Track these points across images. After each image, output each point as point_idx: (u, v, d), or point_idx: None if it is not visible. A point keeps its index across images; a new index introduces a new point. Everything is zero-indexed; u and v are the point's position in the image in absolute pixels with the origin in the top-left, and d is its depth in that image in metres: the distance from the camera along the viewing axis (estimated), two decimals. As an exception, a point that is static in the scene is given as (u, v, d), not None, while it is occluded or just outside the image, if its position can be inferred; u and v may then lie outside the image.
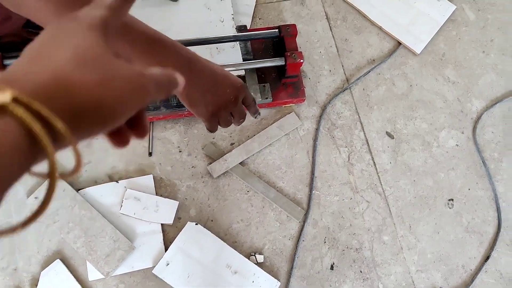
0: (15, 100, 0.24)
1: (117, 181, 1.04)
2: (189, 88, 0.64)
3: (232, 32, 1.14)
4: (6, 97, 0.23)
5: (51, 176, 0.26)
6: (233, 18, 1.16)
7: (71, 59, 0.28)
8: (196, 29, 1.14)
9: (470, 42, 1.26)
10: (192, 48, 0.67)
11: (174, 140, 1.09)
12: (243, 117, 0.76)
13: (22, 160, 0.25)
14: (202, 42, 1.06)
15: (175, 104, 1.07)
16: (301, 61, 1.04)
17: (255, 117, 0.83)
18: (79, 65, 0.28)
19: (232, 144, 1.10)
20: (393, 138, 1.14)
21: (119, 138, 0.35)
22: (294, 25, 1.09)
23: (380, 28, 1.24)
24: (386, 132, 1.15)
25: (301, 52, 1.05)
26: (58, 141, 0.26)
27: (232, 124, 0.77)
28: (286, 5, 1.26)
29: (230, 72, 0.96)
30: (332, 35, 1.24)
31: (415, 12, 1.26)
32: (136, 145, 1.08)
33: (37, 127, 0.24)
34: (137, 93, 0.30)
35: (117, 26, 0.35)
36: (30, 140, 0.25)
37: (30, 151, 0.25)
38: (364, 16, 1.25)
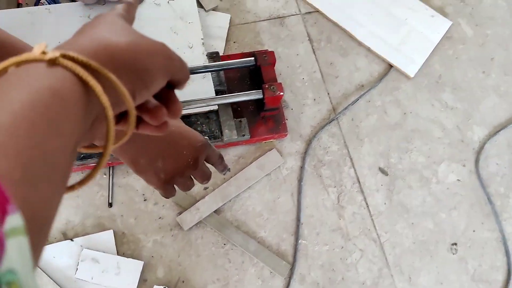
0: (64, 56, 0.28)
1: (71, 239, 0.90)
2: (134, 153, 0.55)
3: (203, 59, 1.00)
4: (55, 53, 0.27)
5: (108, 129, 0.30)
6: (203, 43, 1.02)
7: (108, 30, 0.33)
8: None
9: (469, 62, 1.14)
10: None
11: (138, 187, 0.95)
12: (207, 178, 0.65)
13: (82, 110, 0.28)
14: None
15: (138, 146, 0.93)
16: (281, 93, 0.91)
17: (223, 174, 0.69)
18: (115, 33, 0.33)
19: (205, 188, 0.96)
20: (387, 174, 1.02)
21: (154, 113, 0.37)
22: (271, 52, 0.95)
23: (368, 49, 1.12)
24: (379, 168, 1.02)
25: (280, 83, 0.92)
26: (108, 95, 0.29)
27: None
28: (263, 26, 1.12)
29: (200, 108, 0.83)
30: (316, 58, 1.10)
31: (407, 30, 1.13)
32: (94, 194, 0.93)
33: (86, 74, 0.28)
34: (163, 55, 0.35)
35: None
36: (84, 89, 0.28)
37: (86, 102, 0.28)
38: (351, 36, 1.12)
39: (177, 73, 0.36)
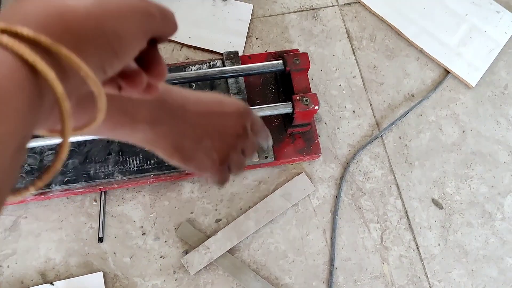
0: (3, 31, 0.21)
1: (51, 283, 0.72)
2: (175, 137, 0.45)
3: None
4: None
5: (62, 119, 0.23)
6: None
7: None
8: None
9: (542, 69, 0.93)
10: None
11: (136, 218, 0.77)
12: (256, 149, 0.56)
13: (28, 101, 0.21)
14: (175, 82, 0.73)
15: (135, 169, 0.74)
16: (316, 107, 0.72)
17: (267, 147, 0.62)
18: None
19: (217, 221, 0.78)
20: (442, 208, 0.82)
21: (131, 80, 0.30)
22: (305, 54, 0.76)
23: (420, 51, 0.91)
24: (432, 200, 0.83)
25: (315, 95, 0.72)
26: (66, 77, 0.23)
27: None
28: (292, 19, 0.92)
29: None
30: (356, 60, 0.90)
31: (468, 28, 0.92)
32: (80, 226, 0.76)
33: (33, 56, 0.21)
34: (139, 13, 0.27)
35: None
36: (32, 75, 0.21)
37: (37, 90, 0.22)
38: (399, 34, 0.92)
39: (160, 30, 0.30)
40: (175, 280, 0.74)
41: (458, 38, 0.92)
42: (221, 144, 0.48)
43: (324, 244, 0.78)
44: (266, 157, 0.77)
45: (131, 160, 0.75)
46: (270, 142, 0.56)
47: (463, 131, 0.87)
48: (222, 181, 0.51)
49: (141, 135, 0.43)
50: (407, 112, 0.87)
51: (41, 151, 0.74)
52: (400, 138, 0.86)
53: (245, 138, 0.49)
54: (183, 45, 0.87)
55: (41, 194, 0.73)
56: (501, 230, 0.82)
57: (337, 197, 0.81)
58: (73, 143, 0.74)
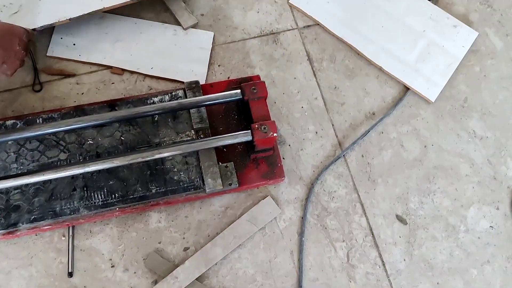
0: None
1: (22, 321, 0.73)
2: None
3: None
4: None
5: None
6: None
7: None
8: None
9: (500, 80, 0.95)
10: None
11: (104, 250, 0.78)
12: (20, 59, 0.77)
13: None
14: (135, 117, 0.75)
15: (100, 203, 0.76)
16: (274, 135, 0.74)
17: None
18: None
19: (186, 249, 0.79)
20: (406, 223, 0.84)
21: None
22: (262, 83, 0.77)
23: (380, 69, 0.93)
24: (397, 216, 0.85)
25: (273, 122, 0.74)
26: None
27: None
28: (253, 44, 0.94)
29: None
30: (317, 82, 0.92)
31: (425, 44, 0.95)
32: (50, 261, 0.77)
33: None
34: None
35: None
36: None
37: None
38: (359, 54, 0.94)
39: None
40: (146, 310, 0.76)
41: (416, 54, 0.94)
42: (14, 66, 0.74)
43: (292, 266, 0.80)
44: (230, 184, 0.78)
45: (95, 195, 0.76)
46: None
47: (425, 146, 0.89)
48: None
49: None
50: (369, 131, 0.89)
51: (6, 191, 0.75)
52: (362, 156, 0.88)
53: (26, 55, 0.77)
54: (146, 75, 0.89)
55: (9, 233, 0.74)
56: (465, 242, 0.84)
57: (303, 218, 0.83)
58: (38, 182, 0.75)
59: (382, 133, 0.90)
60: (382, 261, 0.82)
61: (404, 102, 0.92)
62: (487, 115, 0.93)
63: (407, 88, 0.93)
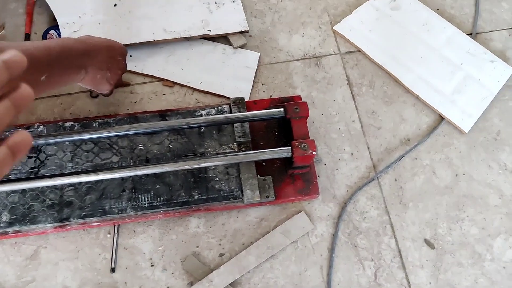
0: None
1: (66, 309, 0.78)
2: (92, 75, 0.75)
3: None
4: None
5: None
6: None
7: None
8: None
9: (533, 116, 0.98)
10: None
11: (146, 250, 0.83)
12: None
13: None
14: (184, 127, 0.80)
15: (146, 205, 0.81)
16: (313, 153, 0.78)
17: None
18: None
19: (221, 255, 0.84)
20: (434, 248, 0.87)
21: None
22: (304, 104, 0.82)
23: (417, 98, 0.97)
24: (425, 240, 0.87)
25: (313, 141, 0.79)
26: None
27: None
28: (296, 66, 1.00)
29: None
30: (355, 106, 0.97)
31: (462, 77, 0.98)
32: (95, 257, 0.82)
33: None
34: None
35: None
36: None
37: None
38: (397, 82, 0.98)
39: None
40: (180, 310, 0.80)
41: (453, 85, 0.97)
42: (116, 75, 0.80)
43: (321, 280, 0.83)
44: (267, 197, 0.83)
45: (143, 197, 0.82)
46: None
47: (456, 175, 0.92)
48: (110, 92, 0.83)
49: (79, 78, 0.72)
50: (403, 156, 0.92)
51: (61, 187, 0.81)
52: (395, 180, 0.91)
53: (126, 67, 0.83)
54: (194, 89, 0.95)
55: (61, 226, 0.79)
56: (490, 271, 0.86)
57: (334, 235, 0.86)
58: (90, 181, 0.81)
59: (416, 159, 0.93)
60: (408, 282, 0.84)
61: (438, 130, 0.95)
62: (520, 149, 0.95)
63: (442, 118, 0.96)
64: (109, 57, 0.76)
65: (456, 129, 0.96)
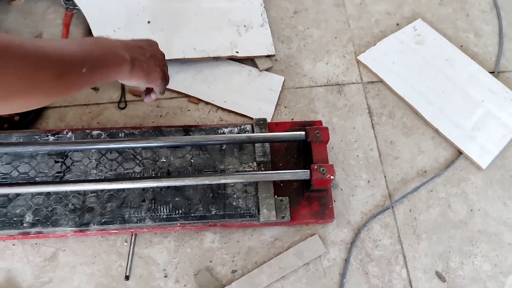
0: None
1: (79, 313, 0.80)
2: (142, 64, 0.73)
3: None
4: None
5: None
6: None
7: None
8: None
9: (552, 157, 0.98)
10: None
11: (160, 261, 0.85)
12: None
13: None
14: (208, 144, 0.83)
15: (165, 216, 0.83)
16: (331, 177, 0.79)
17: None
18: None
19: (233, 271, 0.85)
20: (445, 281, 0.87)
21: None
22: (325, 129, 0.84)
23: (436, 131, 0.99)
24: (436, 272, 0.88)
25: (332, 165, 0.80)
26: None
27: None
28: (319, 92, 1.02)
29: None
30: (375, 134, 0.98)
31: (482, 114, 1.00)
32: (111, 263, 0.84)
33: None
34: None
35: None
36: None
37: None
38: (417, 114, 1.00)
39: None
40: (189, 323, 0.81)
41: (473, 122, 0.99)
42: (158, 60, 0.77)
43: (330, 304, 0.84)
44: (283, 217, 0.84)
45: (161, 208, 0.84)
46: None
47: (471, 210, 0.93)
48: (166, 83, 0.82)
49: (126, 70, 0.70)
50: (419, 187, 0.93)
51: (84, 193, 0.84)
52: (410, 210, 0.92)
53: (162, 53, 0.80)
54: (218, 107, 0.98)
55: (81, 231, 0.82)
56: (502, 309, 0.86)
57: (346, 261, 0.87)
58: (112, 189, 0.83)
59: (432, 191, 0.94)
60: (418, 314, 0.85)
61: (456, 165, 0.96)
62: (537, 188, 0.95)
63: (460, 152, 0.97)
64: (150, 50, 0.76)
65: (473, 165, 0.97)
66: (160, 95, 0.83)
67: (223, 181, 0.80)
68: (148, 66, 0.74)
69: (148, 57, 0.74)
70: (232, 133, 0.91)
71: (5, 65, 0.47)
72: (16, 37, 0.51)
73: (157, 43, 0.80)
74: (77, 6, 0.99)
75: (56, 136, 0.88)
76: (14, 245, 0.85)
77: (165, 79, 0.81)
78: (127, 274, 0.83)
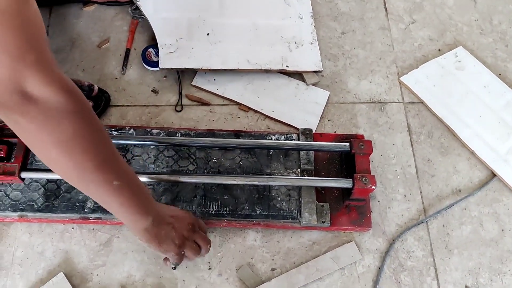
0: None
1: (129, 295, 0.86)
2: (160, 230, 0.74)
3: (310, 29, 1.14)
4: None
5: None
6: (312, 16, 1.17)
7: None
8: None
9: None
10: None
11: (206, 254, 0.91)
12: (208, 242, 0.83)
13: None
14: (258, 147, 0.90)
15: (213, 212, 0.90)
16: (373, 187, 0.85)
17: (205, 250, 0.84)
18: None
19: (273, 269, 0.91)
20: (475, 296, 0.91)
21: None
22: (369, 142, 0.90)
23: (472, 153, 1.03)
24: (466, 286, 0.92)
25: (373, 176, 0.86)
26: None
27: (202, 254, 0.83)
28: (362, 108, 1.08)
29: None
30: (413, 152, 1.04)
31: (517, 140, 1.04)
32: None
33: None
34: None
35: None
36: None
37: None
38: (454, 135, 1.05)
39: None
40: (230, 313, 0.87)
41: (508, 146, 1.03)
42: (180, 235, 0.77)
43: (363, 308, 0.89)
44: (323, 222, 0.90)
45: (211, 205, 0.90)
46: (209, 247, 0.84)
47: (502, 230, 0.97)
48: (180, 260, 0.80)
49: (145, 228, 0.73)
50: (453, 204, 0.98)
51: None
52: (443, 226, 0.97)
53: (194, 232, 0.80)
54: (266, 116, 1.05)
55: (136, 220, 0.89)
56: (528, 327, 0.89)
57: (380, 269, 0.92)
58: (167, 183, 0.90)
59: (465, 209, 0.98)
60: (446, 325, 0.88)
61: (489, 186, 1.01)
62: None
63: (494, 175, 1.02)
64: (179, 221, 0.78)
65: (506, 187, 1.01)
66: (175, 264, 0.82)
67: (271, 183, 0.87)
68: (166, 235, 0.75)
69: (171, 227, 0.75)
70: (279, 140, 0.97)
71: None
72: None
73: (193, 218, 0.82)
74: (143, 15, 1.08)
75: (119, 131, 0.96)
76: (73, 228, 0.92)
77: (180, 254, 0.79)
78: (174, 265, 0.90)
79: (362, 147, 0.89)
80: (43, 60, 0.50)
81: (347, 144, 0.91)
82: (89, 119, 0.57)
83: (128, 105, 1.05)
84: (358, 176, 0.86)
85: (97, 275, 0.89)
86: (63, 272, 0.87)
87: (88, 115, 0.57)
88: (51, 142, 0.54)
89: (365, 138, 1.02)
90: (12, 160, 0.86)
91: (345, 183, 0.87)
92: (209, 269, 0.90)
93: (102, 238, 0.92)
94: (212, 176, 0.85)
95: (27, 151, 0.87)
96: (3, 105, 0.50)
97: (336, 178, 0.88)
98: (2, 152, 0.85)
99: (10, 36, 0.46)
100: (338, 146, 0.91)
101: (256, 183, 0.87)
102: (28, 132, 0.53)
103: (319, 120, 1.05)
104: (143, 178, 0.84)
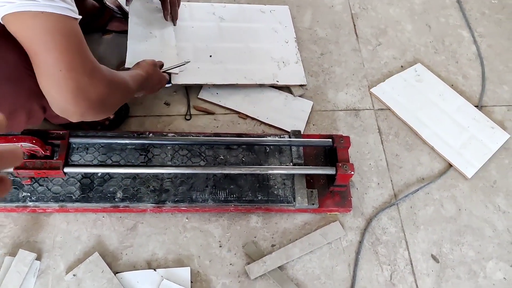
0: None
1: (154, 269, 1.04)
2: (147, 83, 1.04)
3: (295, 51, 1.36)
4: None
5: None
6: (295, 40, 1.39)
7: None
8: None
9: (523, 173, 1.25)
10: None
11: (216, 234, 1.09)
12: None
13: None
14: (255, 143, 1.09)
15: (222, 199, 1.08)
16: (352, 173, 1.05)
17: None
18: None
19: (273, 245, 1.09)
20: (438, 262, 1.11)
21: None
22: (347, 137, 1.11)
23: (431, 148, 1.25)
24: (432, 255, 1.12)
25: (352, 164, 1.06)
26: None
27: None
28: (340, 115, 1.30)
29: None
30: (383, 149, 1.25)
31: (468, 136, 1.27)
32: (178, 234, 1.08)
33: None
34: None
35: None
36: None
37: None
38: (416, 134, 1.27)
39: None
40: (239, 282, 1.05)
41: (461, 142, 1.26)
42: (152, 66, 1.07)
43: (348, 274, 1.08)
44: (313, 204, 1.09)
45: (220, 193, 1.09)
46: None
47: (459, 209, 1.18)
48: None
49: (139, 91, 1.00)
50: (418, 190, 1.19)
51: (162, 178, 1.09)
52: (411, 207, 1.17)
53: (156, 66, 1.10)
54: (262, 122, 1.25)
55: (158, 207, 1.07)
56: (482, 285, 1.09)
57: (360, 242, 1.12)
58: (183, 175, 1.09)
59: (428, 193, 1.20)
60: (416, 286, 1.08)
61: (447, 174, 1.22)
62: (511, 196, 1.21)
63: (450, 165, 1.23)
64: (149, 63, 1.08)
65: (461, 175, 1.23)
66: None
67: (270, 171, 1.06)
68: (149, 70, 1.05)
69: (149, 65, 1.07)
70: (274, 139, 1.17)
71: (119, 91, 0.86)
72: (121, 74, 0.89)
73: (153, 60, 1.11)
74: (155, 42, 1.29)
75: (140, 135, 1.15)
76: (103, 217, 1.09)
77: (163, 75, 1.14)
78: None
79: (342, 141, 1.10)
80: (95, 67, 0.78)
81: (330, 140, 1.11)
82: (118, 84, 0.86)
83: (144, 115, 1.24)
84: (340, 164, 1.06)
85: (126, 254, 1.05)
86: (97, 252, 1.04)
87: (117, 84, 0.86)
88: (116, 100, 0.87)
89: (344, 138, 1.23)
90: (56, 158, 1.04)
91: (330, 170, 1.07)
92: (220, 246, 1.08)
93: (129, 224, 1.09)
94: (221, 167, 1.05)
95: (68, 151, 1.05)
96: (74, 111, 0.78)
97: (322, 167, 1.08)
98: (48, 152, 1.02)
99: (76, 58, 0.74)
100: (322, 142, 1.12)
101: (258, 172, 1.06)
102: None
103: (306, 125, 1.26)
104: (163, 171, 1.03)
